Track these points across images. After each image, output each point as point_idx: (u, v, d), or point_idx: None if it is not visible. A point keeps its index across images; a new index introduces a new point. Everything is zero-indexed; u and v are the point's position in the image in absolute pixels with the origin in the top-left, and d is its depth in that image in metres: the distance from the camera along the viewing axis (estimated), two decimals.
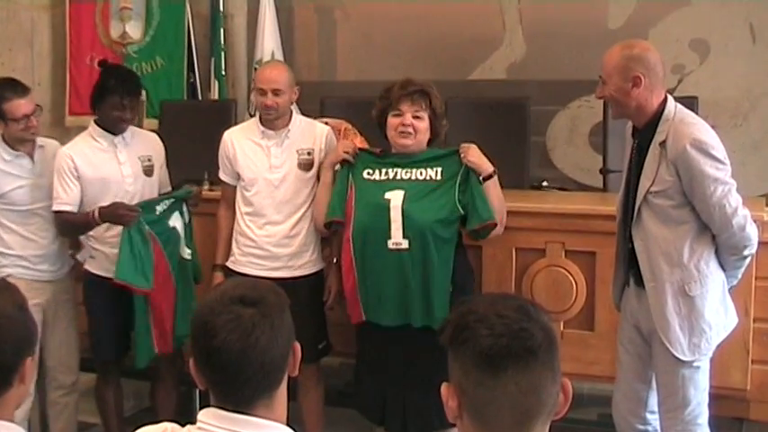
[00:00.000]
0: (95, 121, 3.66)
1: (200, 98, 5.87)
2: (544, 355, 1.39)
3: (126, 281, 3.45)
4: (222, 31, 5.78)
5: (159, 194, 3.70)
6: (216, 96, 5.77)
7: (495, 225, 3.25)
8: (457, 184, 3.23)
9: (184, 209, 3.66)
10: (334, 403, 4.00)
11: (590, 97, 5.14)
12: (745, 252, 2.94)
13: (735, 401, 3.50)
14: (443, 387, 1.45)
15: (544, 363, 1.39)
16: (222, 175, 3.65)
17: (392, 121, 3.28)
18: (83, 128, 3.87)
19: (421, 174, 3.25)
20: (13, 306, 1.63)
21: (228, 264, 3.63)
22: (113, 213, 3.46)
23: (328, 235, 3.60)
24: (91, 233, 3.63)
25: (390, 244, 3.23)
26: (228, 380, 1.57)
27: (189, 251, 3.67)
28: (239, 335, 1.55)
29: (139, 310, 3.55)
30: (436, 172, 3.25)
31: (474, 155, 3.23)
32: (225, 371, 1.56)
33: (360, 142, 4.05)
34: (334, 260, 3.63)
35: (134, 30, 6.01)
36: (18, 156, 3.64)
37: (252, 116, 5.12)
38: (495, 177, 3.24)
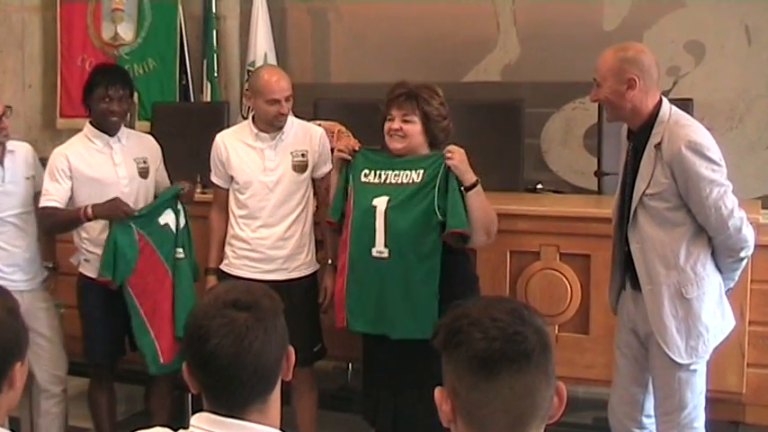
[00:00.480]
0: (90, 122, 3.67)
1: (192, 100, 5.88)
2: (538, 359, 1.39)
3: (106, 275, 3.50)
4: (215, 32, 5.78)
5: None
6: (208, 98, 5.77)
7: (463, 234, 3.15)
8: (436, 188, 3.17)
9: (179, 207, 3.65)
10: (328, 407, 4.00)
11: (585, 99, 5.16)
12: (742, 254, 2.94)
13: (730, 405, 3.51)
14: (437, 391, 1.46)
15: (538, 366, 1.39)
16: (214, 178, 3.65)
17: (386, 125, 3.29)
18: (74, 130, 3.87)
19: (406, 176, 3.23)
20: (2, 309, 1.62)
21: (222, 267, 3.63)
22: (112, 206, 3.47)
23: (324, 236, 3.63)
24: (85, 236, 3.63)
25: (374, 252, 3.23)
26: (222, 384, 1.57)
27: (181, 251, 3.65)
28: (233, 339, 1.55)
29: (134, 315, 3.55)
30: (419, 174, 3.21)
31: (457, 159, 3.15)
32: (218, 375, 1.57)
33: (353, 144, 4.06)
34: (329, 261, 3.64)
35: (126, 31, 6.01)
36: None
37: (245, 118, 5.15)
38: (479, 187, 3.16)
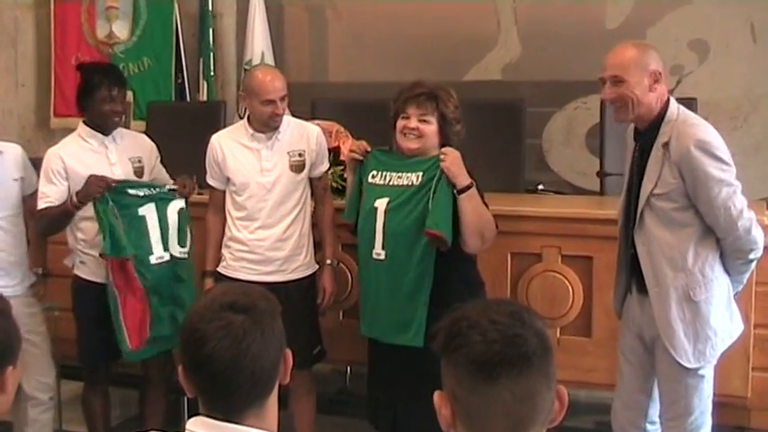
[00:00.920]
0: (84, 122, 3.66)
1: (188, 99, 5.89)
2: (539, 362, 1.40)
3: (116, 255, 3.47)
4: (211, 30, 5.80)
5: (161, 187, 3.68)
6: (204, 98, 5.78)
7: (440, 237, 3.11)
8: (431, 191, 3.16)
9: (171, 206, 3.62)
10: (326, 411, 4.01)
11: (587, 99, 5.18)
12: (751, 256, 2.92)
13: (735, 409, 3.51)
14: (436, 395, 1.46)
15: (539, 369, 1.40)
16: (210, 180, 3.65)
17: (399, 123, 3.27)
18: (68, 130, 3.87)
19: (407, 178, 3.23)
20: None
21: (220, 269, 3.64)
22: (88, 183, 3.46)
23: (323, 236, 3.65)
24: (81, 237, 3.62)
25: (374, 253, 3.24)
26: (218, 388, 1.58)
27: (183, 249, 3.64)
28: (230, 342, 1.56)
29: (112, 304, 3.54)
30: (417, 176, 3.20)
31: (451, 161, 3.13)
32: (215, 379, 1.57)
33: (351, 145, 4.07)
34: (329, 262, 3.65)
35: (121, 29, 6.03)
36: None
37: (241, 118, 5.15)
38: (473, 191, 3.14)
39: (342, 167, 3.91)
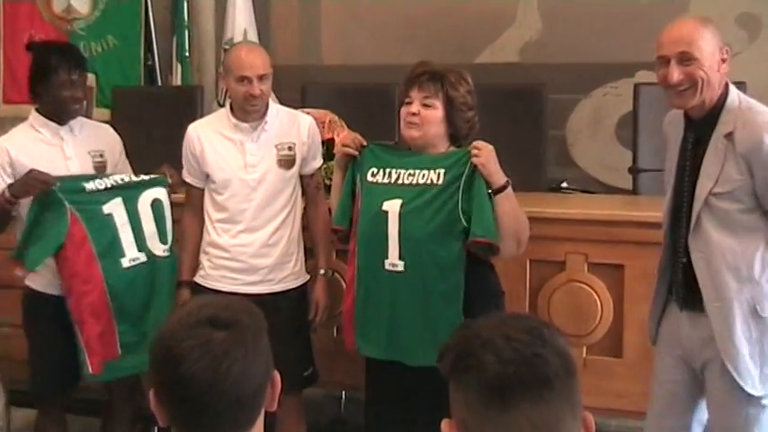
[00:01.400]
0: (37, 110, 3.66)
1: (159, 84, 5.89)
2: (561, 386, 1.41)
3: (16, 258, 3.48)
4: (186, 5, 5.80)
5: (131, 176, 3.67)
6: (178, 82, 5.79)
7: (491, 245, 3.14)
8: (460, 190, 3.14)
9: (142, 198, 3.61)
10: None
11: (617, 83, 5.19)
12: None
13: None
14: (444, 423, 1.47)
15: (561, 394, 1.41)
16: (187, 177, 3.66)
17: (402, 110, 3.28)
18: (19, 119, 3.85)
19: (423, 176, 3.20)
20: None
21: (197, 279, 3.65)
22: (27, 179, 3.43)
23: (314, 242, 3.66)
24: None
25: (387, 264, 3.20)
26: (195, 416, 1.59)
27: (165, 247, 3.64)
28: (208, 363, 1.57)
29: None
30: (438, 174, 3.17)
31: (486, 157, 3.12)
32: (191, 405, 1.58)
33: (343, 138, 4.08)
34: (322, 272, 3.66)
35: (81, 3, 6.04)
36: None
37: (221, 105, 5.17)
38: (510, 190, 3.15)
39: None
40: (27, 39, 5.79)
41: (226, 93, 5.20)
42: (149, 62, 5.92)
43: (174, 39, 5.81)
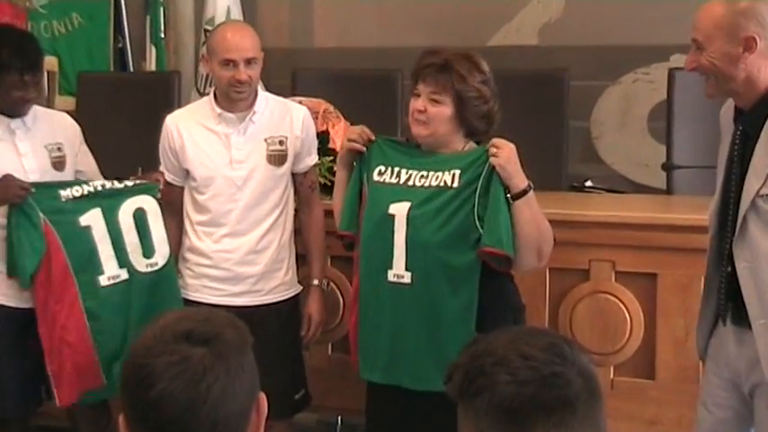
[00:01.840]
0: None
1: (130, 69, 5.90)
2: (584, 409, 1.41)
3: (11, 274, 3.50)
4: None
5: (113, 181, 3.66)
6: (152, 67, 5.80)
7: (504, 256, 3.12)
8: (477, 194, 3.12)
9: (123, 207, 3.60)
10: None
11: (649, 68, 5.20)
12: None
13: None
14: None
15: (584, 418, 1.41)
16: (165, 174, 3.67)
17: (411, 104, 3.25)
18: None
19: (436, 178, 3.18)
20: None
21: None
22: (2, 186, 3.43)
23: (307, 248, 3.68)
24: None
25: (391, 275, 3.19)
26: None
27: (150, 261, 3.63)
28: (185, 383, 1.57)
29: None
30: (453, 176, 3.15)
31: (506, 157, 3.10)
32: (166, 430, 1.59)
33: (344, 129, 4.08)
34: (316, 282, 3.67)
35: None
36: None
37: (201, 94, 5.17)
38: (531, 195, 3.12)
39: (331, 158, 3.92)
40: None
41: (207, 79, 5.22)
42: (119, 44, 5.92)
43: (148, 18, 5.82)
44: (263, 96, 3.61)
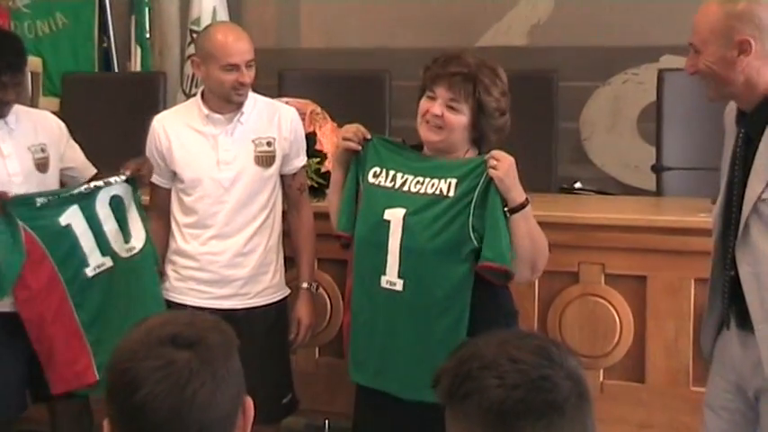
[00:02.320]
0: None
1: (115, 70, 5.89)
2: (573, 412, 1.42)
3: None
4: None
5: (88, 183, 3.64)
6: (137, 67, 5.79)
7: (504, 271, 3.11)
8: (473, 205, 3.10)
9: (99, 200, 3.59)
10: None
11: (638, 69, 5.20)
12: None
13: None
14: None
15: (573, 421, 1.41)
16: (148, 161, 3.66)
17: (422, 103, 3.22)
18: None
19: (432, 185, 3.15)
20: None
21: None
22: None
23: (296, 250, 3.68)
24: None
25: (384, 281, 3.17)
26: None
27: (128, 245, 3.62)
28: (170, 387, 1.56)
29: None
30: (449, 185, 3.13)
31: (503, 170, 3.07)
32: None
33: (332, 130, 4.08)
34: (305, 285, 3.67)
35: None
36: None
37: (187, 95, 5.17)
38: (528, 209, 3.11)
39: (318, 160, 3.92)
40: None
41: (193, 80, 5.22)
42: (104, 45, 5.91)
43: (133, 18, 5.81)
44: (252, 97, 3.61)
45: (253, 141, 3.58)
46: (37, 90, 5.79)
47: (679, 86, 4.56)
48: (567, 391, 1.41)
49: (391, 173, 3.23)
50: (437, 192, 3.14)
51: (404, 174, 3.21)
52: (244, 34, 3.58)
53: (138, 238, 3.63)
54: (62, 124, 3.80)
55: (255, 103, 3.62)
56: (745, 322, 2.89)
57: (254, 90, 3.67)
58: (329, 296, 3.93)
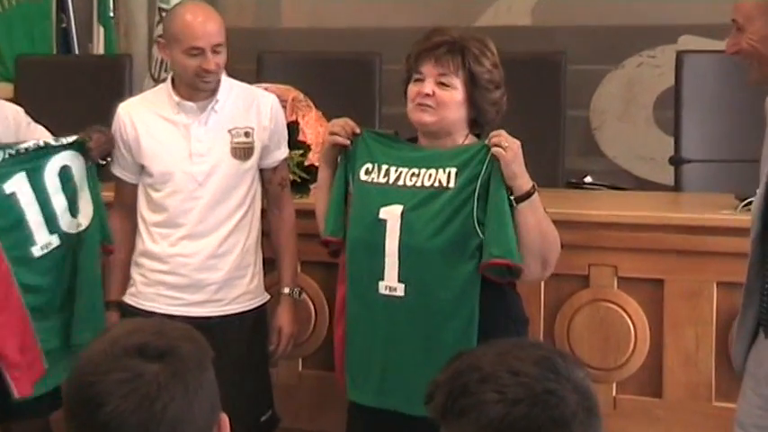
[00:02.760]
0: None
1: (76, 52, 5.89)
2: (581, 429, 1.43)
3: None
4: None
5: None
6: (101, 50, 5.79)
7: (512, 267, 3.11)
8: (476, 196, 3.11)
9: (48, 167, 3.58)
10: None
11: (654, 51, 5.22)
12: None
13: None
14: None
15: None
16: (116, 169, 3.67)
17: (411, 89, 3.22)
18: None
19: (430, 177, 3.15)
20: None
21: (126, 298, 3.66)
22: None
23: (277, 251, 3.68)
24: None
25: (382, 287, 3.18)
26: None
27: (74, 220, 3.59)
28: (138, 402, 1.57)
29: None
30: (449, 175, 3.13)
31: (510, 155, 3.07)
32: None
33: (316, 119, 4.09)
34: (287, 291, 3.68)
35: None
36: None
37: (156, 80, 5.17)
38: (536, 197, 3.12)
39: (302, 152, 3.93)
40: None
41: (162, 64, 5.22)
42: (63, 24, 5.91)
43: None
44: (227, 83, 3.61)
45: (229, 132, 3.58)
46: None
47: (700, 70, 4.58)
48: (574, 405, 1.42)
49: (384, 167, 3.23)
50: (436, 184, 3.14)
51: (398, 167, 3.21)
52: (214, 14, 3.57)
53: (86, 215, 3.63)
54: (18, 109, 3.77)
55: (231, 90, 3.62)
56: None
57: (231, 75, 3.68)
58: (313, 302, 3.93)
